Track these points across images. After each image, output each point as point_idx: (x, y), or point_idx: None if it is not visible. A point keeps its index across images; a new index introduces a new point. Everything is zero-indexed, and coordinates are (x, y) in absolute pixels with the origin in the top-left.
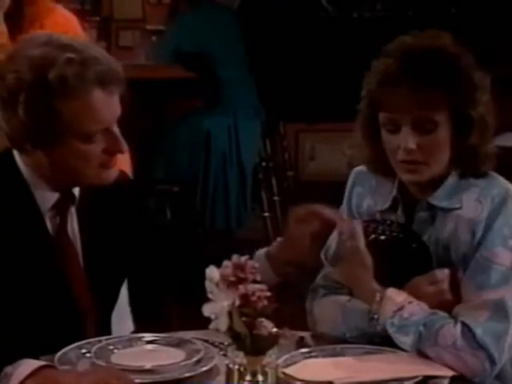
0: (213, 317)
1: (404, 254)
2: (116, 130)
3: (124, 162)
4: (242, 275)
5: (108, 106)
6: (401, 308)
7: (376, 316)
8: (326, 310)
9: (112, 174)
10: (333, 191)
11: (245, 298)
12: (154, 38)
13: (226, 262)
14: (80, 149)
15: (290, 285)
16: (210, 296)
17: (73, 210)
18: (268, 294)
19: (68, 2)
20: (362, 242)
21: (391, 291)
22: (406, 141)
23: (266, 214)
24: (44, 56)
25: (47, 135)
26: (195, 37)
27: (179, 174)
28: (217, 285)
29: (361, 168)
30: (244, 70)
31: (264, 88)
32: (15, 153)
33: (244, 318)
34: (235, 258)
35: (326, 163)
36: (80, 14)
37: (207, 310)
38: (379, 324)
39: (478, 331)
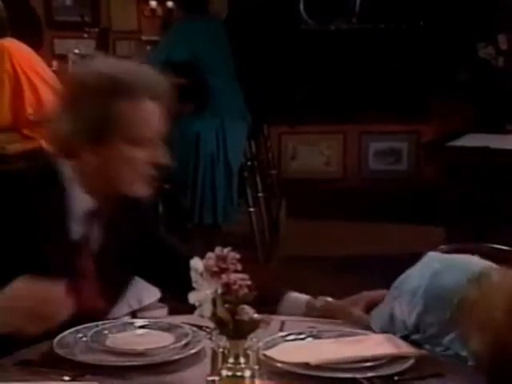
0: (197, 304)
1: None
2: (160, 142)
3: None
4: (224, 266)
5: (158, 116)
6: None
7: None
8: None
9: (144, 190)
10: (312, 188)
11: (227, 286)
12: (148, 47)
13: (209, 254)
14: (128, 153)
15: None
16: (194, 285)
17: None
18: (248, 282)
19: (69, 14)
20: None
21: None
22: None
23: (251, 209)
24: (109, 66)
25: (101, 138)
26: (187, 46)
27: (170, 173)
28: (201, 275)
29: None
30: (231, 78)
31: (250, 94)
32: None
33: (227, 305)
34: (218, 249)
35: (306, 162)
36: (80, 26)
37: (192, 298)
38: None
39: None
